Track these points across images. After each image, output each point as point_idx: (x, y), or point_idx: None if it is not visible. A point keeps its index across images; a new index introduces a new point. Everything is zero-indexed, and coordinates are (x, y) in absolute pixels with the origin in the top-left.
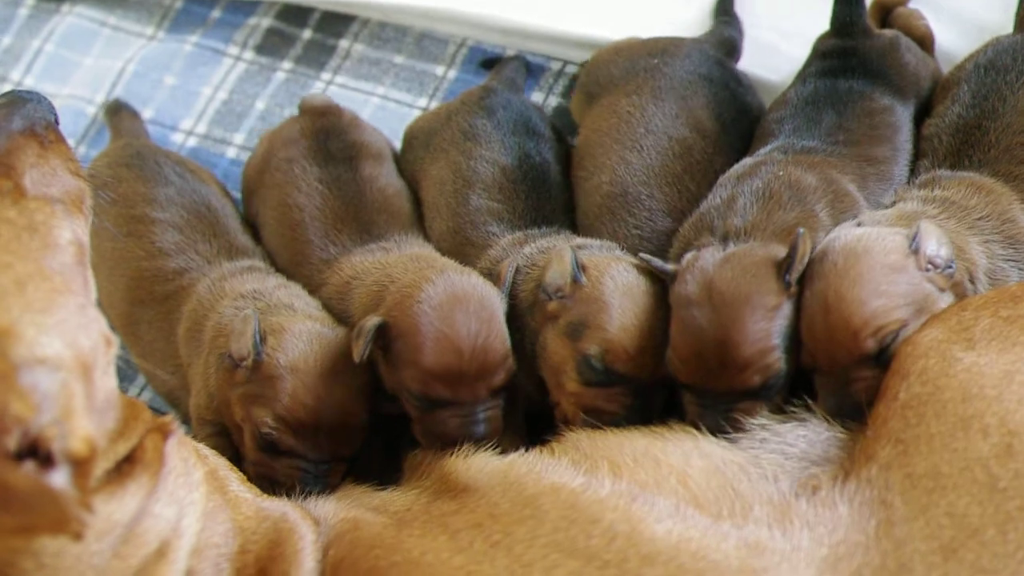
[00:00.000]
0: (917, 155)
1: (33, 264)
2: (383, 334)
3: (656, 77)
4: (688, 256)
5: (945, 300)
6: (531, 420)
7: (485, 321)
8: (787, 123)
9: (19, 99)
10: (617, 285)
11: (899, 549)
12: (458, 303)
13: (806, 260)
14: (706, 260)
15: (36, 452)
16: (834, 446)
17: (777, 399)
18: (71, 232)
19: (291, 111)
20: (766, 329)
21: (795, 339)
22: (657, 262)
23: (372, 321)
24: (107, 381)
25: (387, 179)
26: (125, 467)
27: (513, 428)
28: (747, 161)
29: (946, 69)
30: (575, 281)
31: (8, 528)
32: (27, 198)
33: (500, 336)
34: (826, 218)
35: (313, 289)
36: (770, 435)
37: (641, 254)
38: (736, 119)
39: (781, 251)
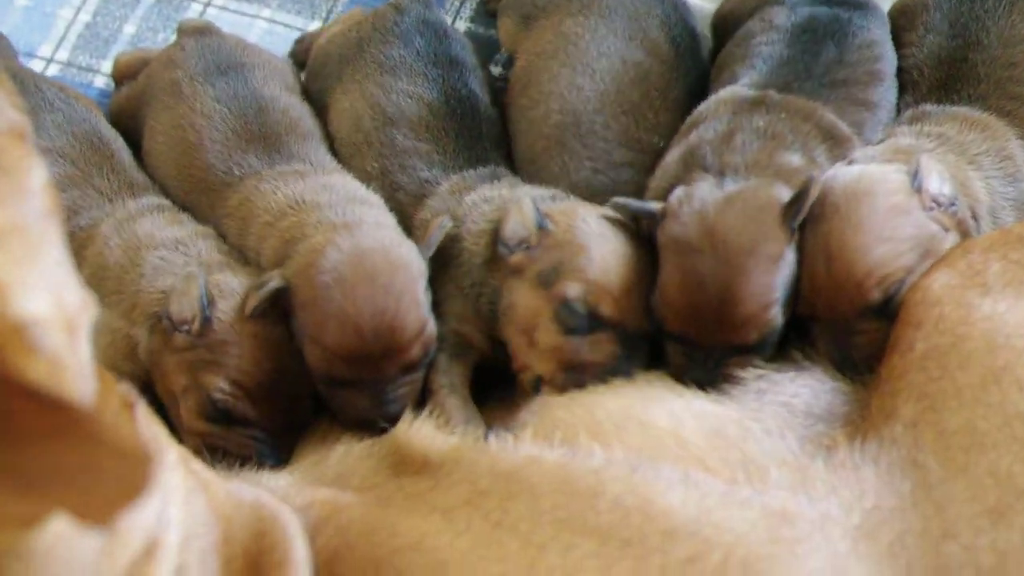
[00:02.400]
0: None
1: (8, 212)
2: (284, 298)
3: None
4: (679, 192)
5: (950, 240)
6: (484, 374)
7: (395, 294)
8: (780, 49)
9: None
10: (590, 227)
11: (941, 513)
12: (363, 274)
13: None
14: (704, 199)
15: None
16: (839, 397)
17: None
18: (43, 175)
19: (166, 36)
20: (769, 282)
21: (793, 288)
22: (637, 204)
23: (273, 283)
24: (86, 347)
25: (289, 100)
26: None
27: (456, 392)
28: (739, 92)
29: None
30: (541, 228)
31: (12, 518)
32: None
33: (413, 310)
34: (826, 164)
35: (216, 220)
36: (768, 386)
37: (616, 199)
38: (691, 45)
39: (784, 192)
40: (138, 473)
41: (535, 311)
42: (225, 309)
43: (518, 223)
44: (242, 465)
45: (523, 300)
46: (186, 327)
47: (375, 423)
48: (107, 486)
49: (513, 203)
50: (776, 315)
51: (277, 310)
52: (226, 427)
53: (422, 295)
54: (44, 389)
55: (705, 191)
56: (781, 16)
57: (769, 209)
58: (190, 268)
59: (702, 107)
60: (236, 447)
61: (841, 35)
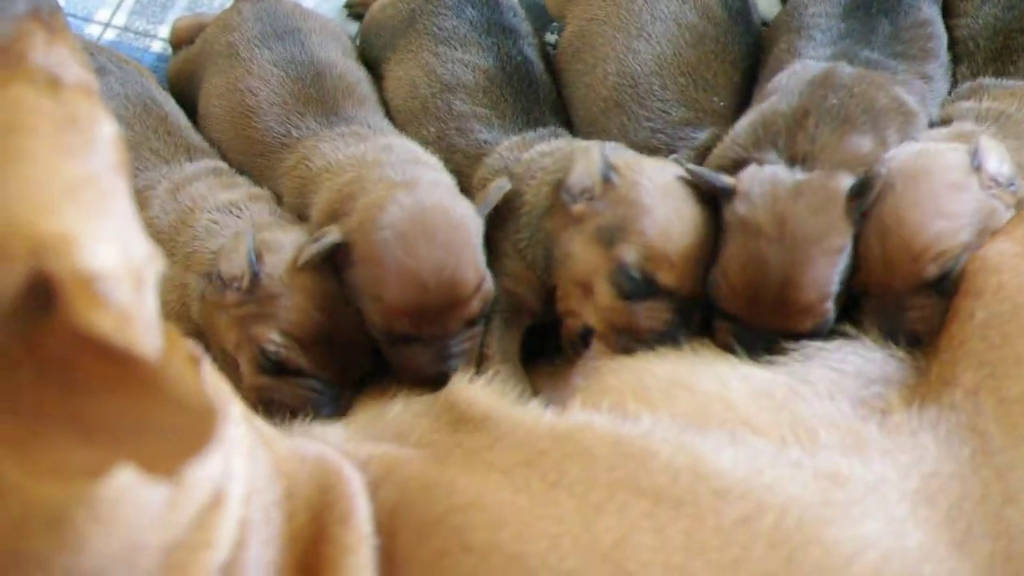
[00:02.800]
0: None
1: (79, 163)
2: (343, 253)
3: None
4: (751, 172)
5: (1009, 218)
6: (533, 336)
7: (455, 250)
8: (835, 23)
9: None
10: (656, 186)
11: (1002, 479)
12: (424, 230)
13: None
14: (777, 185)
15: None
16: (891, 364)
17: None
18: (111, 127)
19: (222, 2)
20: (830, 273)
21: (848, 279)
22: (710, 175)
23: (331, 236)
24: (153, 301)
25: (346, 65)
26: None
27: (508, 359)
28: (812, 65)
29: None
30: (606, 180)
31: (79, 467)
32: (63, 88)
33: (472, 265)
34: (896, 143)
35: (273, 181)
36: (816, 352)
37: (690, 166)
38: (742, 8)
39: (848, 180)
40: (202, 426)
41: (592, 268)
42: (274, 263)
43: (584, 171)
44: (297, 416)
45: (580, 253)
46: (236, 284)
47: (435, 379)
48: (172, 438)
49: (581, 150)
50: (831, 307)
51: (329, 265)
52: (280, 378)
53: (480, 251)
54: (111, 341)
55: (777, 176)
56: None
57: (836, 201)
58: (239, 227)
59: (774, 80)
60: (292, 399)
61: (894, 13)
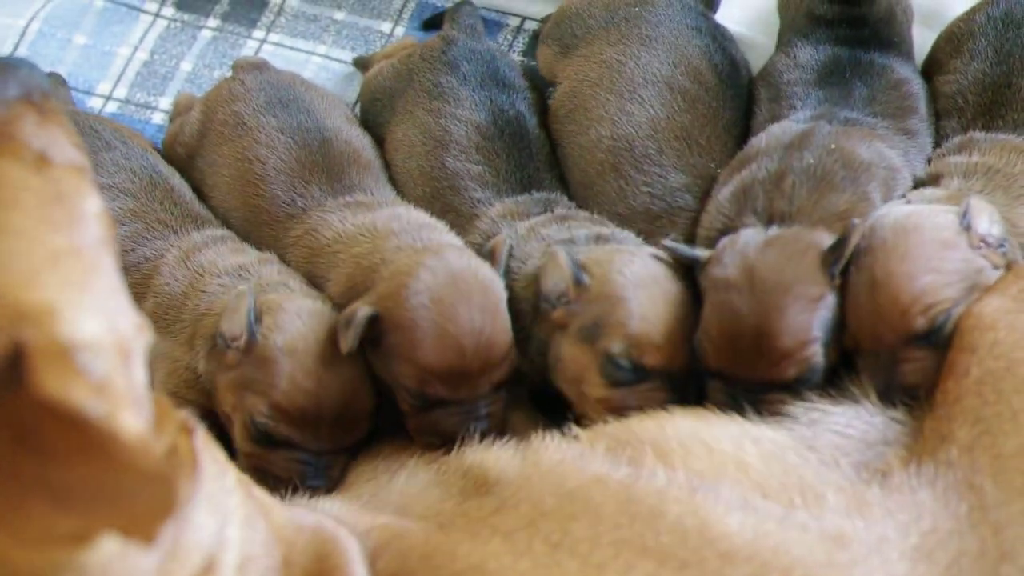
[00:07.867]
0: (938, 115)
1: (64, 237)
2: (374, 325)
3: (641, 25)
4: (724, 240)
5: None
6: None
7: (489, 312)
8: (813, 90)
9: (10, 65)
10: (627, 277)
11: (999, 535)
12: (459, 294)
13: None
14: (747, 242)
15: None
16: (893, 427)
17: (812, 390)
18: (98, 204)
19: (222, 73)
20: (807, 321)
21: (838, 331)
22: (684, 249)
23: (363, 312)
24: (140, 372)
25: (351, 132)
26: None
27: (525, 415)
28: (791, 127)
29: None
30: (578, 283)
31: (61, 535)
32: (51, 166)
33: (503, 327)
34: (878, 199)
35: (280, 251)
36: (821, 416)
37: (665, 242)
38: (732, 73)
39: (827, 239)
40: (169, 489)
41: (581, 366)
42: (270, 327)
43: (556, 278)
44: (290, 488)
45: (569, 355)
46: (235, 343)
47: (455, 440)
48: (144, 503)
49: (550, 256)
50: (814, 354)
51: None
52: (270, 449)
53: (507, 313)
54: (80, 410)
55: (749, 236)
56: (805, 54)
57: (808, 252)
58: (240, 287)
59: (754, 142)
60: (281, 470)
61: (868, 76)
